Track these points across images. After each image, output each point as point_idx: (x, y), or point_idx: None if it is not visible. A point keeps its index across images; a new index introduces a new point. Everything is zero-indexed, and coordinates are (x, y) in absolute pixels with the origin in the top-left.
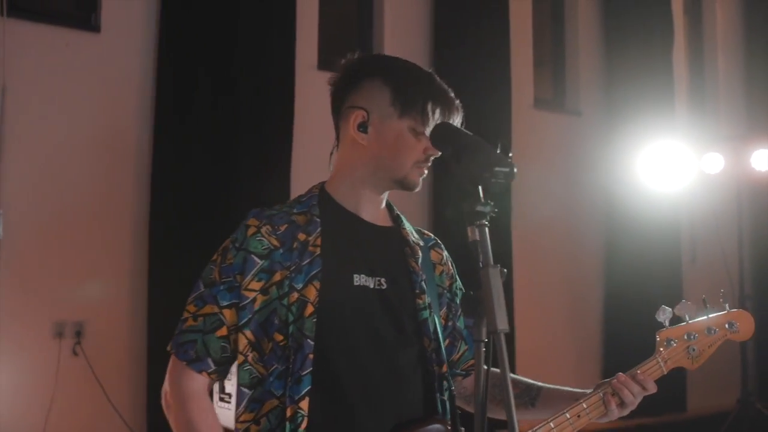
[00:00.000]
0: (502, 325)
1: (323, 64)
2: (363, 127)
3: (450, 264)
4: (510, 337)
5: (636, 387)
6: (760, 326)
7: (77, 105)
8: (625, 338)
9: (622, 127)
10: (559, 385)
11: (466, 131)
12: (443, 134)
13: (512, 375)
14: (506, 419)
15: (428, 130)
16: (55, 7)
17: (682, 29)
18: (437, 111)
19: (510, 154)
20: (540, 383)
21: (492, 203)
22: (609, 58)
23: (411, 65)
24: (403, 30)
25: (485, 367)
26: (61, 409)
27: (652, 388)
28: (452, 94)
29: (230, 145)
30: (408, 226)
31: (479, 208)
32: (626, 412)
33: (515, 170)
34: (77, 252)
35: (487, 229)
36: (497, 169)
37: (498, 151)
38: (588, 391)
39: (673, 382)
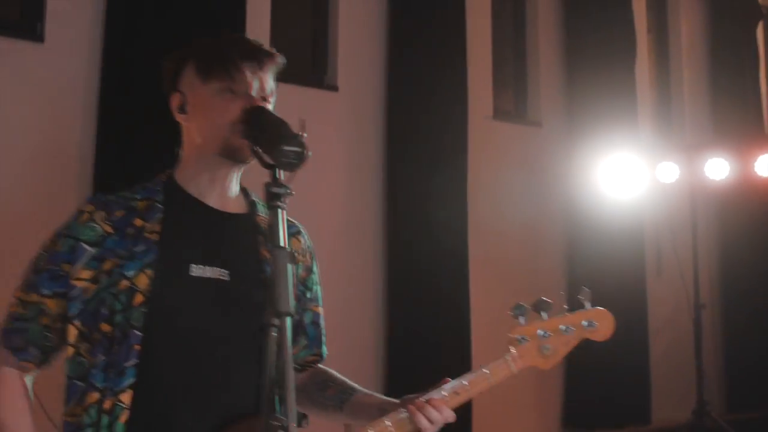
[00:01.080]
0: (284, 306)
1: (279, 75)
2: (182, 109)
3: (309, 255)
4: (467, 347)
5: (434, 413)
6: (720, 334)
7: (19, 115)
8: (586, 350)
9: (583, 138)
10: (372, 392)
11: (273, 113)
12: (251, 117)
13: (335, 374)
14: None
15: (249, 88)
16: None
17: (646, 43)
18: (245, 65)
19: (303, 134)
20: (356, 387)
21: (289, 186)
22: (570, 69)
23: (218, 37)
24: (357, 37)
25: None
26: None
27: (450, 417)
28: (265, 48)
29: (176, 157)
30: (265, 213)
31: (274, 189)
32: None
33: (307, 152)
34: (18, 265)
35: (280, 211)
36: (287, 148)
37: (298, 133)
38: (397, 401)
39: (637, 393)
